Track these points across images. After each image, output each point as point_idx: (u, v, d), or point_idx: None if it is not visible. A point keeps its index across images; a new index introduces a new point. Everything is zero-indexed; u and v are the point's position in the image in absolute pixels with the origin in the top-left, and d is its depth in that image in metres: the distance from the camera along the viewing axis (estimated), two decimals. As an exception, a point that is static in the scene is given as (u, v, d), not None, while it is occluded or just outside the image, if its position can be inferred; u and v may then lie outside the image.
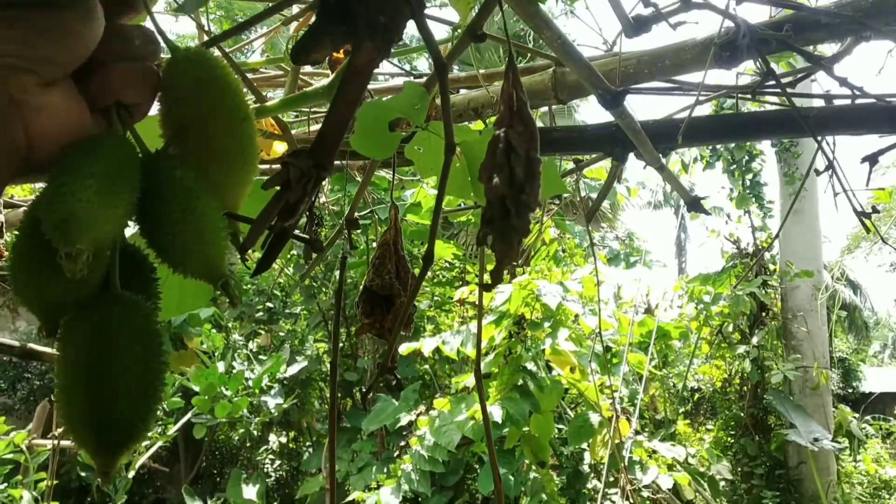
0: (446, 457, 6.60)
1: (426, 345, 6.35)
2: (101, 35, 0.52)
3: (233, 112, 0.54)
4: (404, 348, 6.52)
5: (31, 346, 1.20)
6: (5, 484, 4.80)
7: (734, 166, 9.76)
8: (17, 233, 0.55)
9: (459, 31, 0.87)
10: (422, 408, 7.93)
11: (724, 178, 10.12)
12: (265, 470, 10.57)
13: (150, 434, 4.54)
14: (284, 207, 0.47)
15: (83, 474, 5.48)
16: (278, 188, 0.46)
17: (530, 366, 5.62)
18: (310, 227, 0.68)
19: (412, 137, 0.73)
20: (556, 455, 7.09)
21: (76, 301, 0.54)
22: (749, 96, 1.34)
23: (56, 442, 3.82)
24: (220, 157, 0.53)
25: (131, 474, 4.38)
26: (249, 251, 0.50)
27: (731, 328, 9.14)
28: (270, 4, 0.71)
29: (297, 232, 0.53)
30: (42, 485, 4.65)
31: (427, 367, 9.80)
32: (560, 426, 7.08)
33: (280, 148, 0.86)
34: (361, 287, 0.70)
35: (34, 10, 0.49)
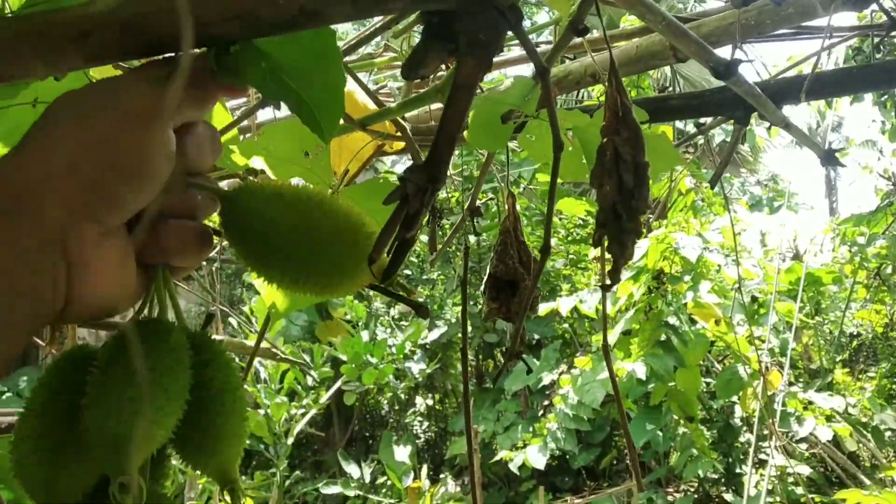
0: (591, 414, 6.62)
1: (563, 304, 6.35)
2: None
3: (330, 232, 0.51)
4: (542, 309, 6.54)
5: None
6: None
7: (885, 97, 9.07)
8: (30, 399, 0.49)
9: (560, 26, 0.88)
10: (563, 367, 7.94)
11: (874, 111, 9.43)
12: (414, 432, 10.94)
13: (304, 402, 4.81)
14: (405, 220, 0.50)
15: (248, 441, 5.89)
16: (398, 202, 0.50)
17: (672, 320, 5.52)
18: (432, 222, 0.72)
19: (523, 126, 0.75)
20: (705, 409, 6.95)
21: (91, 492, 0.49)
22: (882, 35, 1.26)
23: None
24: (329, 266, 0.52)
25: (290, 440, 4.67)
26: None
27: (889, 270, 8.57)
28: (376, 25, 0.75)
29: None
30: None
31: (566, 325, 9.78)
32: (707, 380, 6.92)
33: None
34: (486, 274, 0.74)
35: None
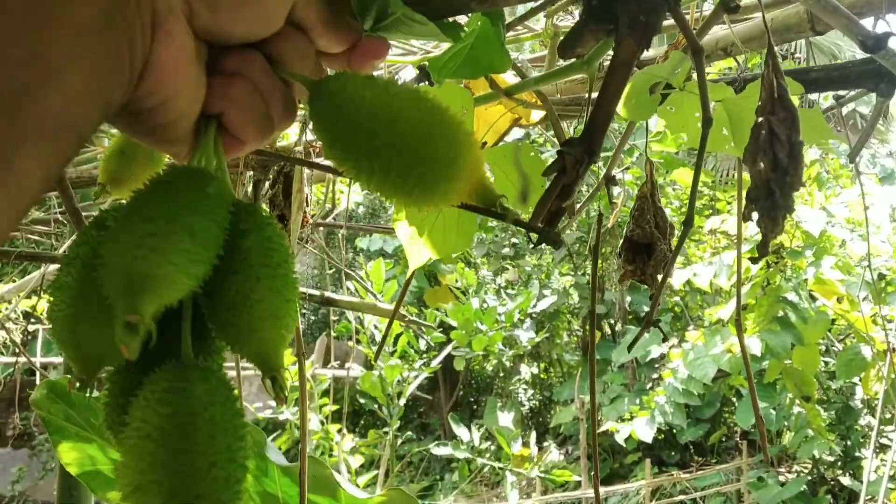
0: (701, 389, 6.50)
1: (676, 276, 6.24)
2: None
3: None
4: (653, 281, 6.43)
5: (328, 294, 1.40)
6: (295, 408, 5.43)
7: None
8: (73, 249, 0.47)
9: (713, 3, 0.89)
10: (674, 340, 7.81)
11: None
12: (518, 399, 11.04)
13: (416, 365, 4.95)
14: (562, 190, 0.54)
15: (362, 401, 6.12)
16: (555, 174, 0.54)
17: (791, 296, 5.34)
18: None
19: (664, 98, 0.77)
20: (823, 389, 6.70)
21: (128, 363, 0.46)
22: None
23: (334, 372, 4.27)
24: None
25: (402, 402, 4.83)
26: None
27: None
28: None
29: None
30: (325, 409, 5.24)
31: (677, 299, 9.60)
32: (826, 359, 6.67)
33: (536, 116, 0.93)
34: (623, 237, 0.76)
35: None
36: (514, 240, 10.69)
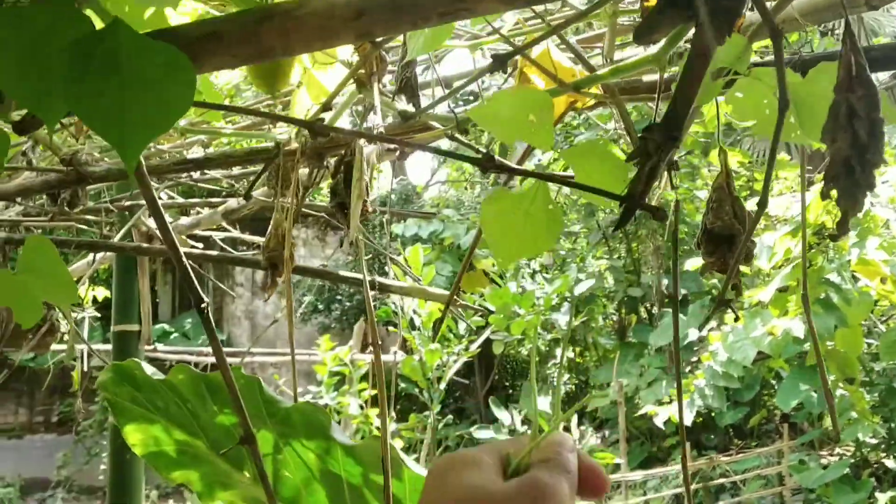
0: (741, 372, 6.45)
1: (714, 259, 6.17)
2: None
3: None
4: (689, 265, 6.41)
5: (379, 279, 1.42)
6: (335, 392, 5.49)
7: None
8: None
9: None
10: (712, 323, 7.75)
11: None
12: (554, 383, 11.04)
13: (455, 349, 4.98)
14: (648, 173, 0.55)
15: (402, 385, 6.19)
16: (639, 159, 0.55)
17: (834, 277, 5.26)
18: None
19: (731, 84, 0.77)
20: (866, 371, 6.61)
21: None
22: None
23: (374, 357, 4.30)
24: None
25: (443, 386, 4.86)
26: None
27: None
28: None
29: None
30: (364, 394, 5.30)
31: (715, 281, 9.51)
32: (869, 341, 6.57)
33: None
34: (701, 229, 0.77)
35: None
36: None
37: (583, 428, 10.21)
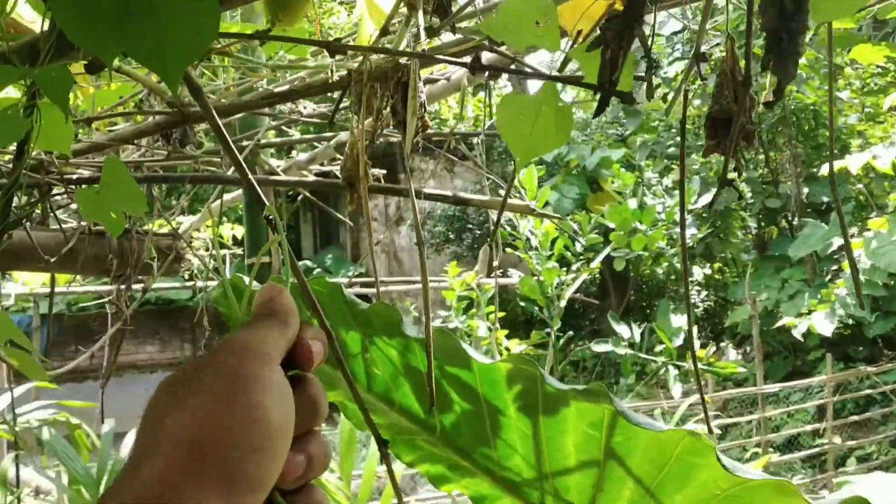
0: (886, 279, 6.14)
1: (853, 161, 5.84)
2: None
3: None
4: (826, 168, 6.08)
5: (461, 194, 1.50)
6: (464, 316, 5.67)
7: None
8: None
9: None
10: (854, 230, 7.36)
11: None
12: (692, 301, 10.83)
13: (574, 267, 5.02)
14: (610, 62, 0.60)
15: (523, 304, 6.31)
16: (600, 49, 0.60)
17: None
18: (648, 71, 0.79)
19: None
20: None
21: None
22: None
23: (496, 281, 4.41)
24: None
25: (562, 303, 4.94)
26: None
27: None
28: None
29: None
30: (492, 317, 5.45)
31: (860, 186, 8.97)
32: None
33: None
34: (706, 115, 0.80)
35: None
36: (678, 138, 10.31)
37: (723, 344, 10.04)
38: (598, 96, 0.63)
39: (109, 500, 0.43)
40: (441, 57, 1.01)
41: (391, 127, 1.17)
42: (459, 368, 1.17)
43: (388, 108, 1.14)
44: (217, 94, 1.82)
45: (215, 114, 0.81)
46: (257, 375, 0.46)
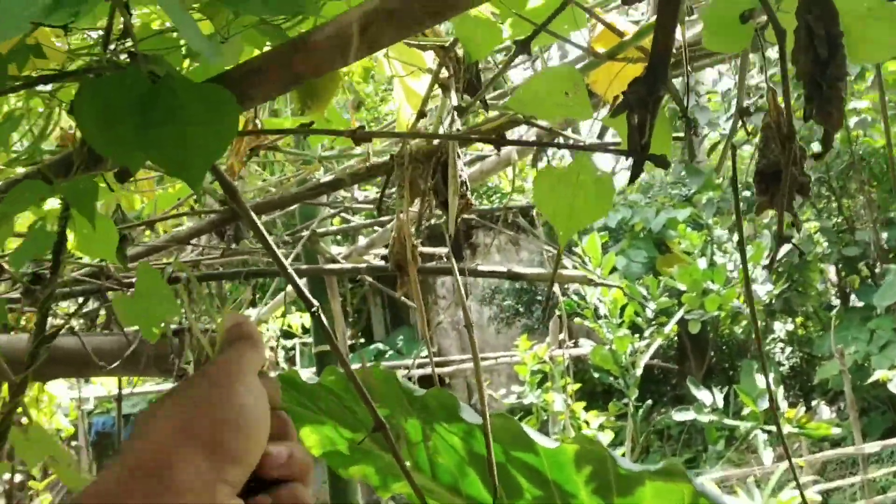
0: None
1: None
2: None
3: None
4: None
5: (515, 269, 1.47)
6: (539, 390, 5.54)
7: None
8: None
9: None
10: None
11: None
12: (776, 359, 10.41)
13: (647, 333, 4.88)
14: (638, 127, 0.58)
15: (596, 376, 6.15)
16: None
17: None
18: (687, 131, 0.77)
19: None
20: None
21: None
22: None
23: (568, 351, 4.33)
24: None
25: (638, 372, 4.78)
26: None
27: None
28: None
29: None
30: (569, 389, 5.31)
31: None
32: None
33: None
34: (755, 171, 0.76)
35: None
36: (746, 193, 10.12)
37: (814, 403, 9.56)
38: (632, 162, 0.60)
39: (105, 472, 0.49)
40: (470, 137, 1.00)
41: (435, 207, 1.16)
42: (525, 453, 1.12)
43: (431, 190, 1.13)
44: (276, 188, 1.87)
45: (251, 212, 0.81)
46: (239, 382, 0.54)
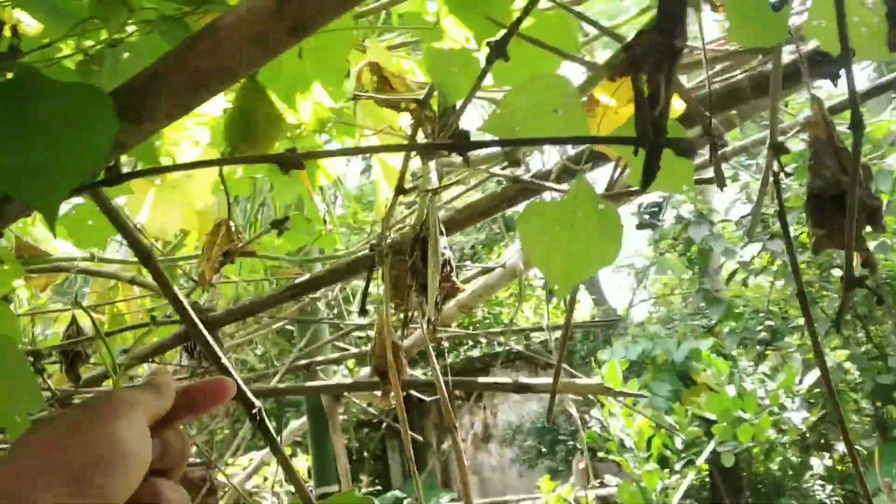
0: None
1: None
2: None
3: None
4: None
5: (522, 380, 1.28)
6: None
7: None
8: None
9: None
10: None
11: None
12: (817, 497, 9.78)
13: (678, 468, 4.53)
14: (650, 96, 0.41)
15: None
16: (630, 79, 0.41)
17: None
18: (713, 153, 0.60)
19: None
20: None
21: None
22: None
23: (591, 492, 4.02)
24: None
25: (671, 511, 4.41)
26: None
27: None
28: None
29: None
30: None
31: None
32: None
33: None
34: (805, 196, 0.59)
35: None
36: (768, 322, 9.86)
37: (861, 545, 8.86)
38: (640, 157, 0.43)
39: None
40: (434, 144, 0.84)
41: (415, 291, 0.98)
42: None
43: (409, 270, 0.96)
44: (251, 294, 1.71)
45: (204, 329, 0.65)
46: (123, 418, 0.51)
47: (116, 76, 0.59)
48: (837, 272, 8.28)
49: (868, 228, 0.56)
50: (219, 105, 1.03)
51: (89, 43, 0.61)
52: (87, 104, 0.47)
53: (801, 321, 9.87)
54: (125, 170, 0.65)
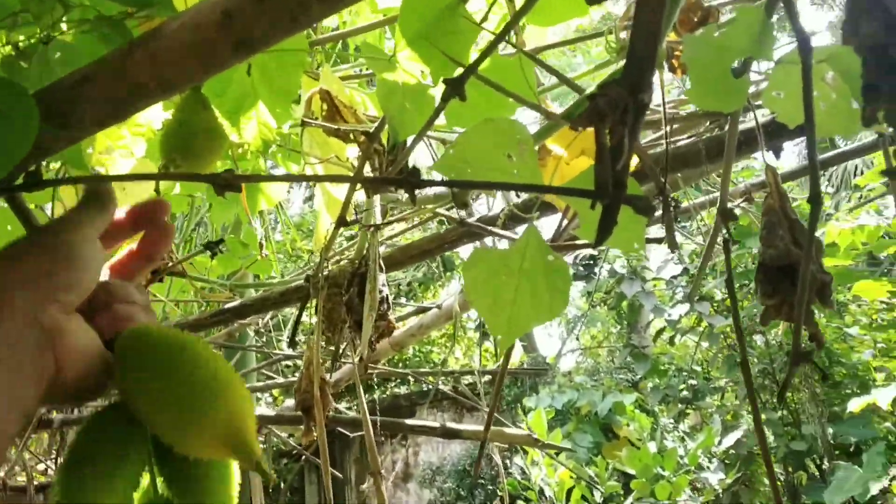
0: (940, 526, 5.53)
1: (882, 396, 5.51)
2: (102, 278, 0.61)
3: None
4: (856, 404, 5.79)
5: (450, 425, 1.25)
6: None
7: None
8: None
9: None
10: (893, 471, 6.84)
11: None
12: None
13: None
14: (612, 148, 0.39)
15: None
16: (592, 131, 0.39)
17: None
18: (666, 213, 0.59)
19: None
20: None
21: None
22: None
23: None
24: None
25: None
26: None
27: None
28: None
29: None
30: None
31: (888, 425, 8.51)
32: None
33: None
34: (756, 265, 0.58)
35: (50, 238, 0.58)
36: (691, 381, 10.04)
37: None
38: (597, 210, 0.41)
39: None
40: (382, 179, 0.81)
41: (349, 327, 0.94)
42: None
43: (345, 305, 0.92)
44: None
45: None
46: (72, 231, 0.57)
47: (46, 75, 0.55)
48: (760, 338, 8.48)
49: (818, 300, 0.55)
50: (158, 115, 0.99)
51: (21, 37, 0.58)
52: (5, 102, 0.44)
53: (722, 382, 10.09)
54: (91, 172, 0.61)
